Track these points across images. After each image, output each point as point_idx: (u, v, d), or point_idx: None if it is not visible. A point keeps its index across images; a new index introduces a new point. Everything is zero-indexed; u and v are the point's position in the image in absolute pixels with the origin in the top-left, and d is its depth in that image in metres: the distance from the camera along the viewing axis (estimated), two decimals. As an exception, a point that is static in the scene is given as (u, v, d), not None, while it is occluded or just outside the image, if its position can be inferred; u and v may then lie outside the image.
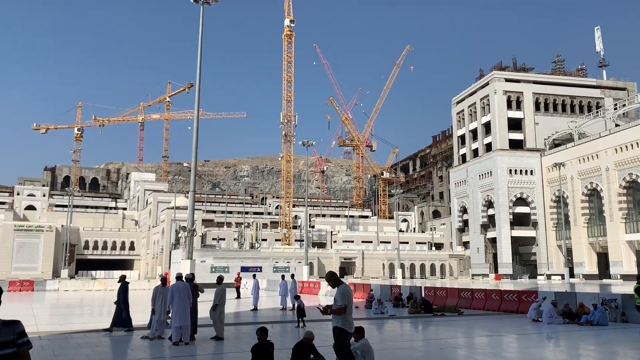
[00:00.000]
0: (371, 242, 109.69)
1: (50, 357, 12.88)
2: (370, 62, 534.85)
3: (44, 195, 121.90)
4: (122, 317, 17.92)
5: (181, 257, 62.48)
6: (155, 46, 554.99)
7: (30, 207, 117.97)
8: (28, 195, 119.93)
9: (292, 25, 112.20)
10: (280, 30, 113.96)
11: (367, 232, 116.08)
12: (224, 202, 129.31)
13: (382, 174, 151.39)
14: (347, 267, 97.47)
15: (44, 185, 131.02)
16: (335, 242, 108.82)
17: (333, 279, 9.44)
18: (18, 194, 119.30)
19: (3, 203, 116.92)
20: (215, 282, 17.30)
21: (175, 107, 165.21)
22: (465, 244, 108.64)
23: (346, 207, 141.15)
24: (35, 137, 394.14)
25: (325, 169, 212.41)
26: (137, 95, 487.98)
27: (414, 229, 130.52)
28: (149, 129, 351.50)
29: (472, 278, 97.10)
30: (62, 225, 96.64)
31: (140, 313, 20.45)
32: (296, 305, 20.03)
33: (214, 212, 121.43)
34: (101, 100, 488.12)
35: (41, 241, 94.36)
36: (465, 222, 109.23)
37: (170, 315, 15.19)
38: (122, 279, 18.97)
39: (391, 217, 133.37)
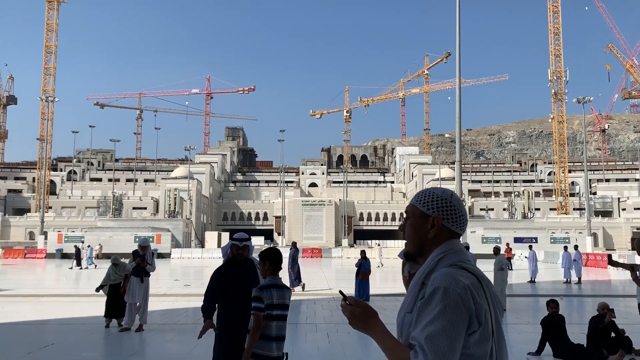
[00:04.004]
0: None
1: (328, 316, 14.18)
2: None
3: (323, 173, 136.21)
4: (292, 279, 20.01)
5: (449, 227, 62.68)
6: (410, 21, 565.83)
7: (312, 184, 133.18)
8: (310, 174, 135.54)
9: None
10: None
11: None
12: (490, 171, 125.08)
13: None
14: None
15: (322, 165, 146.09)
16: (624, 209, 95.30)
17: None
18: (302, 174, 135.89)
19: (292, 182, 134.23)
20: (491, 252, 16.75)
21: (434, 79, 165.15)
22: None
23: (636, 169, 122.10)
24: (312, 122, 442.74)
25: (606, 127, 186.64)
26: (397, 72, 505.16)
27: None
28: (409, 103, 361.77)
29: None
30: (340, 199, 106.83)
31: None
32: None
33: (480, 181, 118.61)
34: (365, 82, 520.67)
35: (323, 214, 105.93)
36: None
37: None
38: (294, 245, 21.46)
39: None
